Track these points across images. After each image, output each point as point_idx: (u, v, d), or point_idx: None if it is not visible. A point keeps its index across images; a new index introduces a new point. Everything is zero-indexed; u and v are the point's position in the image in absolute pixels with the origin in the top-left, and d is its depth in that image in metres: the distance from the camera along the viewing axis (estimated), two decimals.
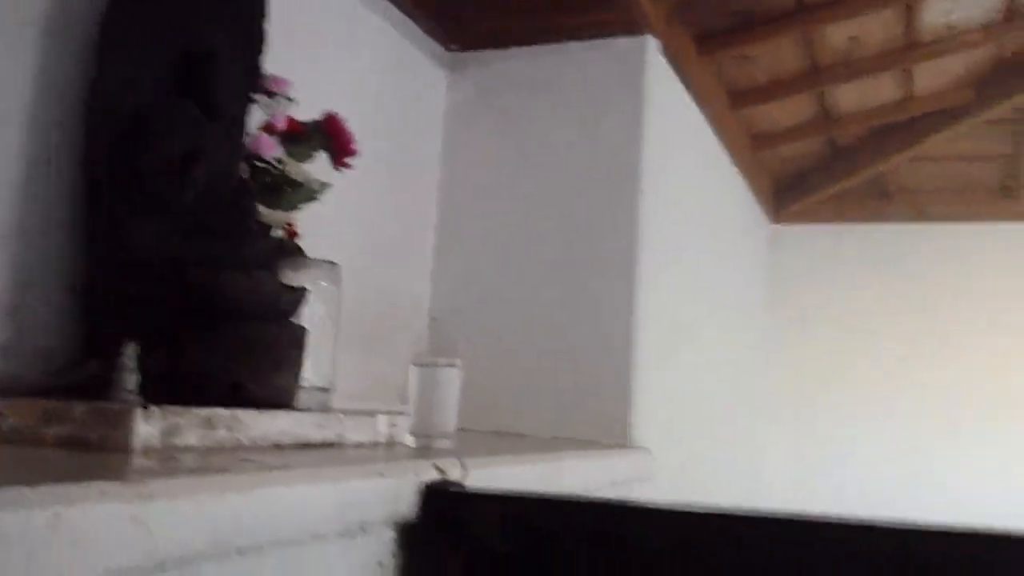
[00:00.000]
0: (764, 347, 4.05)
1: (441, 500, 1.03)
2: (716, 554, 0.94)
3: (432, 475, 1.05)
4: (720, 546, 0.94)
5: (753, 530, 0.94)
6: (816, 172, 4.00)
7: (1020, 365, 3.90)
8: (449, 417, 1.38)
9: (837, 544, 0.90)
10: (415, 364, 1.38)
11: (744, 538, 0.94)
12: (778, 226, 4.20)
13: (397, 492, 0.99)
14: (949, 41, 3.02)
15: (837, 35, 2.93)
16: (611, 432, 2.09)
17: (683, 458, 2.62)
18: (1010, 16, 2.94)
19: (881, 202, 4.15)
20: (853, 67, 3.11)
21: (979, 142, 3.73)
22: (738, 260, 3.67)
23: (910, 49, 3.04)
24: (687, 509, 0.96)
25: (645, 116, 2.27)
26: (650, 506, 1.05)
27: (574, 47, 2.34)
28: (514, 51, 2.39)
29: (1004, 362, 3.93)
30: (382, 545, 1.00)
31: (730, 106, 3.13)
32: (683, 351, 2.70)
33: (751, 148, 3.53)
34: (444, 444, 1.35)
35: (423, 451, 1.26)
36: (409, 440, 1.33)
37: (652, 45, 2.32)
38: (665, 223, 2.41)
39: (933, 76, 3.33)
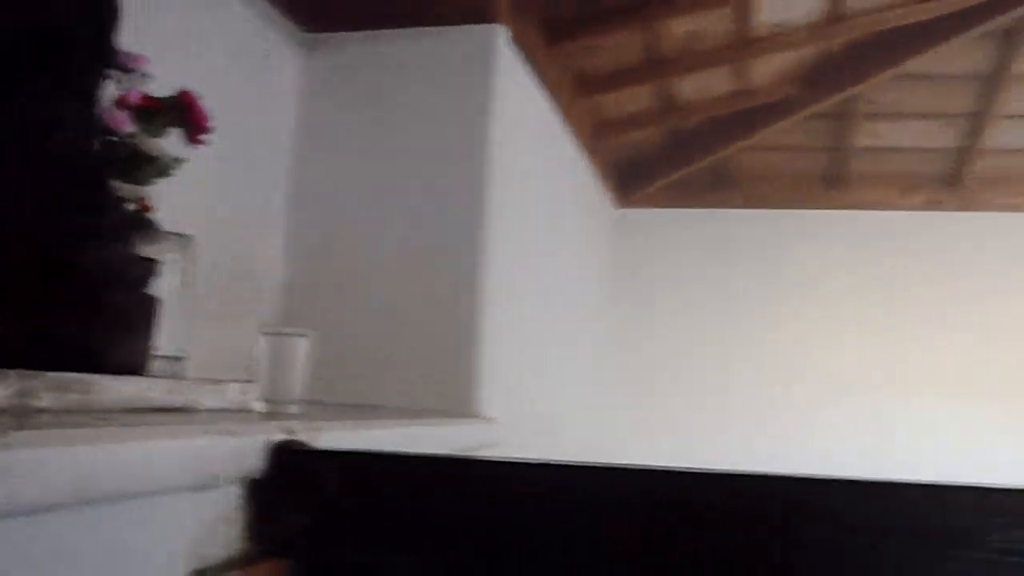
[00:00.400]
0: (609, 324, 4.23)
1: (288, 458, 1.09)
2: (553, 503, 1.04)
3: (280, 436, 1.11)
4: (557, 495, 1.04)
5: (586, 480, 1.04)
6: (659, 159, 4.20)
7: (840, 344, 4.22)
8: (298, 385, 1.44)
9: (658, 491, 1.01)
10: (264, 333, 1.43)
11: (579, 488, 1.04)
12: (623, 210, 4.39)
13: (245, 450, 1.06)
14: (778, 39, 3.24)
15: (677, 29, 3.11)
16: (459, 402, 2.19)
17: (530, 427, 2.74)
18: (833, 17, 3.18)
19: (719, 189, 4.39)
20: (691, 60, 3.29)
21: (807, 134, 4.00)
22: (584, 241, 3.82)
23: (743, 45, 3.24)
24: (525, 462, 1.06)
25: (493, 102, 2.36)
26: (490, 460, 1.14)
27: (426, 32, 2.41)
28: (367, 34, 2.44)
29: (828, 341, 4.24)
30: (230, 500, 1.05)
31: (577, 94, 3.26)
32: (530, 327, 2.82)
33: (597, 135, 3.68)
34: (293, 410, 1.41)
35: (272, 415, 1.32)
36: (259, 406, 1.39)
37: (501, 33, 2.42)
38: (512, 205, 2.51)
39: (765, 71, 3.56)
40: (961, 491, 0.95)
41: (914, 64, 3.47)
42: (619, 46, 3.12)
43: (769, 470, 1.00)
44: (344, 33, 2.47)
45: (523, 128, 2.69)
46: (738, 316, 4.30)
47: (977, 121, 3.82)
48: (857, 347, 4.22)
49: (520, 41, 2.55)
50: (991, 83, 3.60)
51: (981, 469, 3.98)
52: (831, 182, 4.31)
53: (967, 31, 3.26)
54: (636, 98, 3.57)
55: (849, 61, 3.54)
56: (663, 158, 4.18)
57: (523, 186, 2.69)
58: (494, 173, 2.35)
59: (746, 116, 3.84)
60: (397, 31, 2.43)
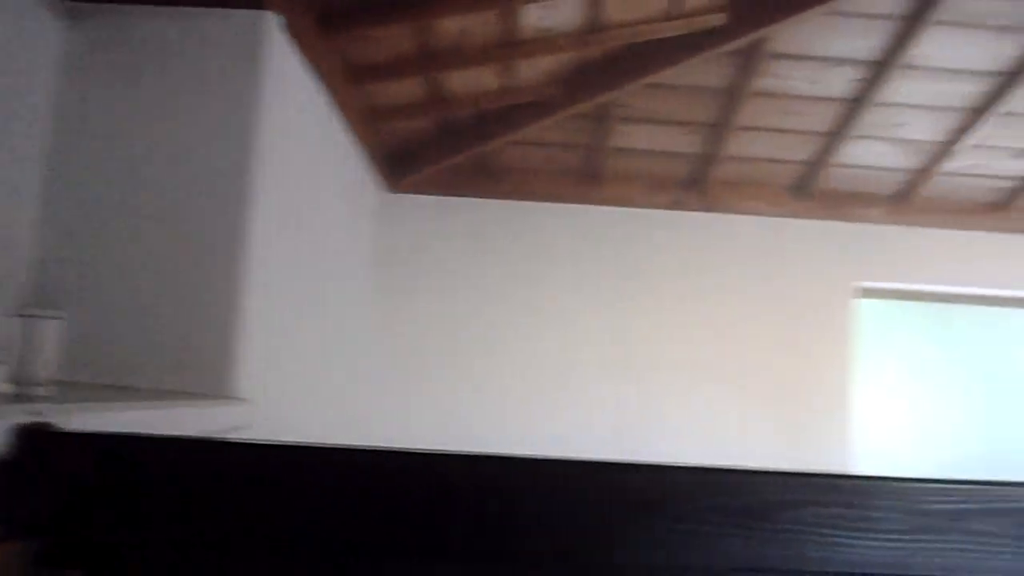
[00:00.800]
0: (377, 306, 4.32)
1: (35, 440, 1.11)
2: (299, 483, 1.11)
3: (26, 418, 1.13)
4: (303, 476, 1.11)
5: (330, 461, 1.12)
6: (429, 148, 4.30)
7: (593, 332, 4.50)
8: (49, 367, 1.45)
9: (406, 471, 1.11)
10: (16, 315, 1.43)
11: (324, 468, 1.11)
12: (393, 195, 4.48)
13: None
14: (541, 43, 3.42)
15: (448, 26, 3.22)
16: (214, 384, 2.22)
17: (290, 409, 2.80)
18: (591, 27, 3.39)
19: (486, 179, 4.55)
20: (461, 56, 3.42)
21: (567, 132, 4.23)
22: (353, 226, 3.88)
23: (509, 46, 3.40)
24: (268, 443, 1.13)
25: (262, 86, 2.39)
26: (237, 441, 1.21)
27: (196, 13, 2.39)
28: (134, 8, 2.40)
29: (582, 329, 4.51)
30: None
31: (350, 82, 3.32)
32: (294, 309, 2.87)
33: (369, 122, 3.74)
34: (43, 392, 1.42)
35: (19, 397, 1.33)
36: (6, 388, 1.39)
37: (272, 20, 2.45)
38: (277, 190, 2.55)
39: (530, 71, 3.74)
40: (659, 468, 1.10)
41: (664, 75, 3.75)
42: (392, 38, 3.21)
43: (505, 451, 1.12)
44: (110, 5, 2.41)
45: (292, 114, 2.72)
46: (499, 302, 4.50)
47: (718, 130, 4.17)
48: (608, 335, 4.51)
49: (292, 29, 2.59)
50: (731, 97, 3.94)
51: (712, 449, 4.38)
52: (588, 179, 4.57)
53: (711, 49, 3.56)
54: (408, 88, 3.66)
55: (606, 68, 3.77)
56: (433, 147, 4.29)
57: (290, 171, 2.72)
58: (260, 158, 2.38)
59: (512, 112, 4.01)
60: (166, 8, 2.41)
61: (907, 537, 1.08)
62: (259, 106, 2.38)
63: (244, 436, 2.11)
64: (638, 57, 3.68)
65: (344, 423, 3.77)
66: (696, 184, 4.59)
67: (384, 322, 4.39)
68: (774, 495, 1.08)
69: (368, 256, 4.24)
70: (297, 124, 2.81)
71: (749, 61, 3.70)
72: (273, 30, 2.46)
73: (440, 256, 4.52)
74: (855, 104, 3.95)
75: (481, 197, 4.54)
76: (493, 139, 4.14)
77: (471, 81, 3.72)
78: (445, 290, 4.49)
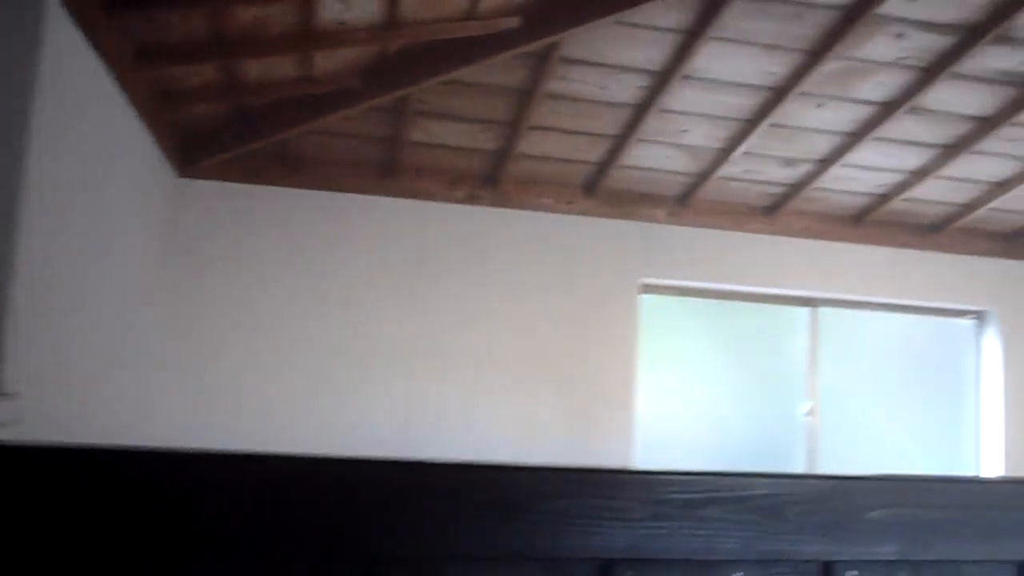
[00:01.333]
0: (167, 294, 4.19)
1: None
2: (66, 485, 1.09)
3: None
4: (71, 479, 1.10)
5: (103, 462, 1.11)
6: (225, 133, 4.20)
7: (384, 323, 4.54)
8: None
9: (204, 472, 1.11)
10: None
11: (95, 471, 1.10)
12: (186, 181, 4.34)
13: None
14: (339, 35, 3.42)
15: (244, 14, 3.17)
16: None
17: (70, 403, 2.69)
18: (389, 23, 3.43)
19: (285, 168, 4.50)
20: (257, 45, 3.37)
21: (367, 124, 4.24)
22: (140, 211, 3.75)
23: (306, 37, 3.39)
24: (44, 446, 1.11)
25: (38, 66, 2.30)
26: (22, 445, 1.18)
27: None
28: None
29: (374, 320, 4.53)
30: None
31: (139, 64, 3.21)
32: (72, 298, 2.76)
33: (160, 106, 3.63)
34: None
35: None
36: None
37: None
38: (54, 172, 2.46)
39: (330, 62, 3.73)
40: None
41: (462, 73, 3.82)
42: (184, 22, 3.13)
43: (310, 451, 1.15)
44: None
45: (72, 95, 2.62)
46: (293, 292, 4.46)
47: (512, 128, 4.29)
48: (402, 326, 4.56)
49: (74, 7, 2.49)
50: (525, 97, 4.06)
51: (504, 440, 4.51)
52: (386, 171, 4.60)
53: (505, 51, 3.66)
54: (202, 73, 3.57)
55: (404, 63, 3.81)
56: (229, 133, 4.19)
57: (69, 155, 2.62)
58: (35, 141, 2.29)
59: (310, 102, 3.98)
60: None
61: (648, 523, 1.19)
62: (34, 86, 2.29)
63: (18, 435, 2.04)
64: (436, 54, 3.74)
65: (131, 416, 3.65)
66: (491, 180, 4.70)
67: (175, 312, 4.27)
68: (532, 488, 1.16)
69: (159, 243, 4.10)
70: (78, 106, 2.71)
71: (542, 64, 3.83)
72: (52, 7, 2.36)
73: (235, 244, 4.43)
74: (641, 110, 4.16)
75: (279, 186, 4.49)
76: (291, 128, 4.10)
77: (268, 69, 3.67)
78: (239, 279, 4.41)
